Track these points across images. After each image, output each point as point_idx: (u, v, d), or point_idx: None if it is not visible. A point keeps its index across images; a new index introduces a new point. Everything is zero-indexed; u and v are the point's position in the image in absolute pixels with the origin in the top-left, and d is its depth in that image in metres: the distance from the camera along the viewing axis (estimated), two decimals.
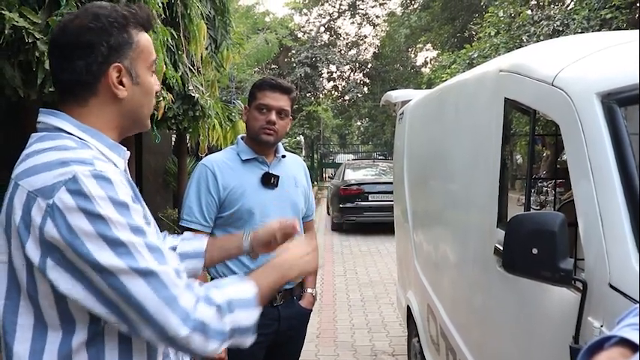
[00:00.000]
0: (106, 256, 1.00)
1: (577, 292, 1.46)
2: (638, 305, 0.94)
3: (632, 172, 1.38)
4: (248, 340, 1.15)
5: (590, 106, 1.51)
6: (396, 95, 4.93)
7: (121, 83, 1.14)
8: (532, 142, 1.89)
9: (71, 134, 1.11)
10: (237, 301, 1.11)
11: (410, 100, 4.28)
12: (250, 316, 1.14)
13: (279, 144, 2.44)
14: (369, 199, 11.68)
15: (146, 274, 1.02)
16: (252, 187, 2.30)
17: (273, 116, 2.29)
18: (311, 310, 2.54)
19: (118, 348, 1.09)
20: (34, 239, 1.01)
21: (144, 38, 1.17)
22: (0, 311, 1.07)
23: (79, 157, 1.05)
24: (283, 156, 2.44)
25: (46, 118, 1.14)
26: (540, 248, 1.43)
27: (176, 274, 1.06)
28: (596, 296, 1.39)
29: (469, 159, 2.51)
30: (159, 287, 1.02)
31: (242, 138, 2.43)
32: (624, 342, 0.80)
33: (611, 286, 1.34)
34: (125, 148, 1.20)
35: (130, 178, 1.17)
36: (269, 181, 2.32)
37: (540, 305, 1.70)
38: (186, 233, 1.59)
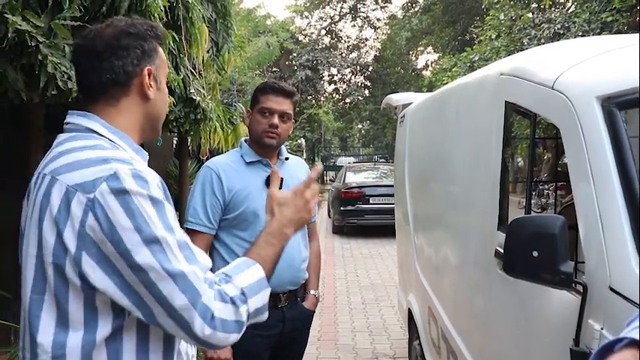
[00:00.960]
0: (140, 253, 1.05)
1: (577, 295, 1.47)
2: None
3: (632, 175, 1.39)
4: (264, 316, 1.22)
5: (590, 110, 1.52)
6: (397, 98, 4.94)
7: (150, 86, 1.25)
8: (532, 146, 1.90)
9: (102, 136, 1.19)
10: (248, 288, 1.16)
11: (411, 104, 4.29)
12: (263, 296, 1.20)
13: (282, 146, 2.46)
14: (370, 201, 11.68)
15: (176, 275, 1.07)
16: (257, 189, 2.30)
17: (276, 120, 2.30)
18: (314, 312, 2.55)
19: (136, 345, 1.14)
20: (73, 231, 1.06)
21: (161, 51, 1.30)
22: (27, 304, 1.12)
23: (118, 157, 1.12)
24: (286, 158, 2.45)
25: (75, 119, 1.21)
26: (541, 251, 1.44)
27: (202, 272, 1.11)
28: (597, 299, 1.39)
29: (470, 162, 2.52)
30: (187, 288, 1.07)
31: (245, 141, 2.44)
32: (635, 343, 0.79)
33: (612, 289, 1.35)
34: (146, 152, 1.28)
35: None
36: None
37: (541, 308, 1.71)
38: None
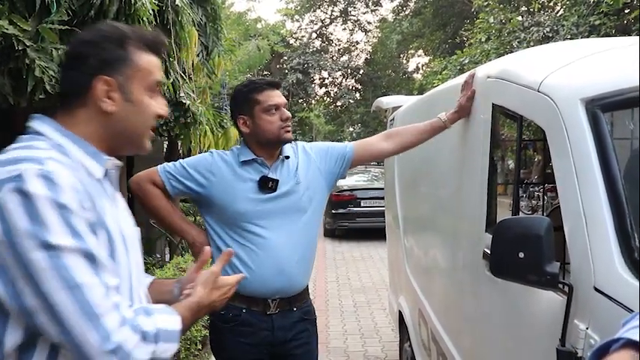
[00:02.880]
0: (34, 259, 0.98)
1: (564, 296, 1.48)
2: None
3: (616, 176, 1.40)
4: None
5: (575, 112, 1.53)
6: (387, 101, 4.96)
7: (110, 98, 1.16)
8: (519, 148, 1.91)
9: (51, 139, 1.13)
10: (163, 332, 1.09)
11: (400, 106, 4.30)
12: (171, 349, 1.12)
13: (296, 144, 2.38)
14: (362, 204, 11.70)
15: (73, 286, 0.99)
16: (244, 190, 2.21)
17: (287, 113, 2.25)
18: (314, 320, 2.41)
19: (48, 356, 1.05)
20: None
21: (145, 59, 1.19)
22: None
23: (32, 156, 1.05)
24: (287, 157, 2.32)
25: (31, 122, 1.17)
26: (527, 252, 1.45)
27: (105, 291, 1.02)
28: (582, 299, 1.40)
29: (458, 164, 2.53)
30: (83, 302, 0.99)
31: (244, 142, 2.32)
32: (631, 344, 0.80)
33: (596, 289, 1.36)
34: (108, 158, 1.20)
35: (109, 187, 1.19)
36: (266, 185, 2.22)
37: (529, 308, 1.72)
38: None
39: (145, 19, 3.45)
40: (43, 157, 1.05)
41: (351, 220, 11.69)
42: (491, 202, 2.09)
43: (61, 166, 1.06)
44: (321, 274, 8.26)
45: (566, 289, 1.43)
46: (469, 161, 2.34)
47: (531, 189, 8.14)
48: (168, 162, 2.29)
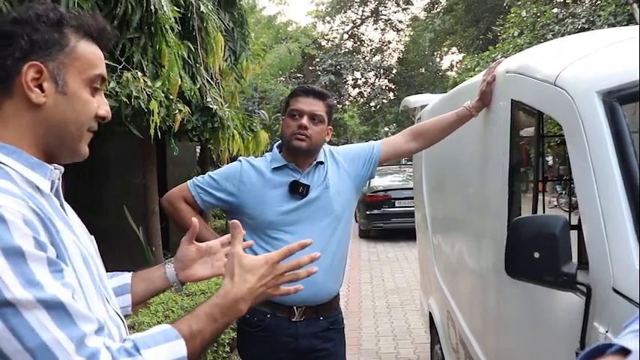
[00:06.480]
0: None
1: (583, 297, 1.42)
2: None
3: (634, 172, 1.34)
4: None
5: (591, 105, 1.47)
6: (414, 100, 4.91)
7: (40, 87, 0.96)
8: (538, 144, 1.85)
9: None
10: None
11: (427, 105, 4.25)
12: None
13: (324, 149, 2.33)
14: (396, 205, 11.61)
15: (34, 348, 0.81)
16: (275, 198, 2.19)
17: (305, 121, 2.18)
18: (342, 329, 2.37)
19: None
20: None
21: (86, 48, 1.01)
22: None
23: None
24: (321, 162, 2.28)
25: None
26: (542, 252, 1.40)
27: (76, 346, 0.84)
28: (601, 301, 1.34)
29: (480, 162, 2.47)
30: None
31: (279, 146, 2.32)
32: (624, 351, 0.76)
33: (615, 290, 1.30)
34: (53, 166, 1.01)
35: (61, 203, 1.04)
36: (297, 189, 2.20)
37: (551, 310, 1.66)
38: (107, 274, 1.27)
39: (167, 26, 3.50)
40: None
41: (385, 221, 11.61)
42: (513, 200, 2.03)
43: (6, 195, 0.87)
44: (355, 276, 8.23)
45: (585, 290, 1.38)
46: (490, 159, 2.28)
47: (572, 185, 7.91)
48: (201, 166, 2.32)
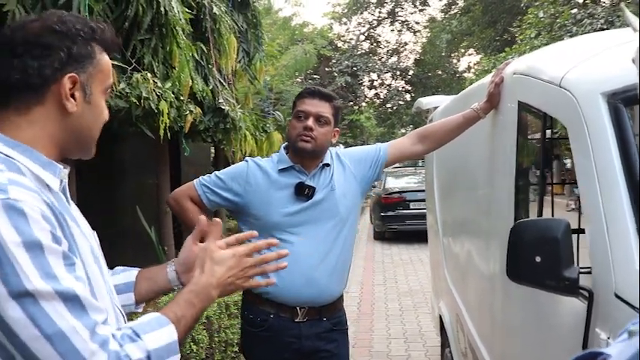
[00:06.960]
0: (8, 308, 0.86)
1: (585, 302, 1.39)
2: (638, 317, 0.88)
3: (638, 175, 1.31)
4: None
5: (596, 107, 1.45)
6: (426, 102, 4.88)
7: (72, 96, 1.03)
8: (544, 146, 1.83)
9: None
10: (155, 352, 0.98)
11: (439, 106, 4.22)
12: None
13: (330, 151, 2.32)
14: (411, 207, 11.55)
15: (53, 335, 0.87)
16: (280, 199, 2.19)
17: (310, 122, 2.18)
18: (345, 330, 2.36)
19: None
20: None
21: (105, 59, 1.09)
22: None
23: None
24: (327, 164, 2.27)
25: None
26: (544, 256, 1.37)
27: (91, 331, 0.91)
28: (602, 306, 1.32)
29: (488, 164, 2.45)
30: (66, 349, 0.88)
31: (285, 147, 2.33)
32: None
33: (617, 296, 1.27)
34: (62, 166, 1.07)
35: (67, 200, 1.09)
36: (303, 191, 2.20)
37: (555, 315, 1.63)
38: (117, 268, 1.38)
39: (178, 28, 3.52)
40: (2, 182, 0.91)
41: (400, 223, 11.56)
42: (520, 203, 2.01)
43: (25, 190, 0.92)
44: (369, 277, 8.21)
45: (587, 295, 1.35)
46: (497, 162, 2.25)
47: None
48: (215, 166, 2.32)
